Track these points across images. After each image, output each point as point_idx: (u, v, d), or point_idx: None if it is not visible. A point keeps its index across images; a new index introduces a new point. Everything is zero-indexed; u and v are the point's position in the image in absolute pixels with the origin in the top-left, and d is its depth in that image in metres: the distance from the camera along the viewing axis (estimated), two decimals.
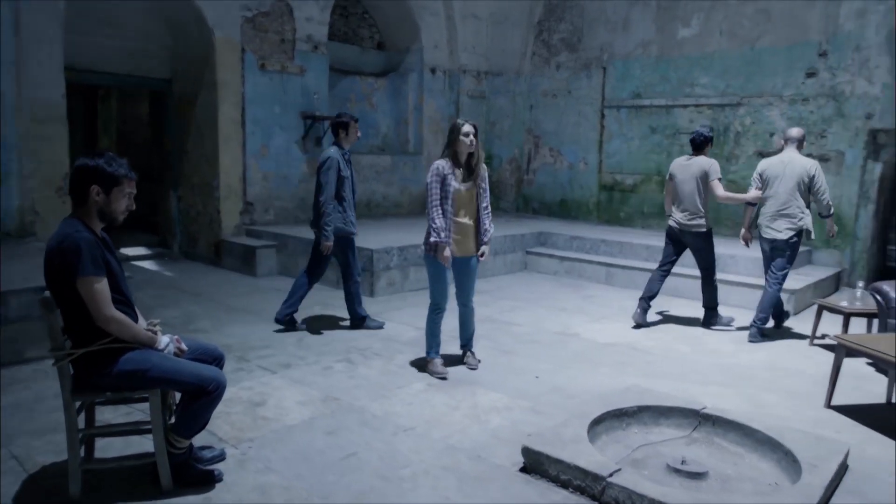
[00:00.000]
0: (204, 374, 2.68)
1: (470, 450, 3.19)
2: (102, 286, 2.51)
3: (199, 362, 2.82)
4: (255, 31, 7.98)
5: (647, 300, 5.79)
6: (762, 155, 8.44)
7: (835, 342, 3.88)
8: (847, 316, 4.97)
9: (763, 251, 5.51)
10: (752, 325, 5.38)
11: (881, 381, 4.36)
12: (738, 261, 7.10)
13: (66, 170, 6.62)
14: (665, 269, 5.85)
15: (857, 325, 5.37)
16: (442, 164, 4.18)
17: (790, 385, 4.32)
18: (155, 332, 2.74)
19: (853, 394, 4.14)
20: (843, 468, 3.02)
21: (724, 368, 4.64)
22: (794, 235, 5.22)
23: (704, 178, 5.52)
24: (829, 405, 3.91)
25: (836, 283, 7.72)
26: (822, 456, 2.96)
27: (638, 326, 5.74)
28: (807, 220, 5.23)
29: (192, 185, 8.30)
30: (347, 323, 5.50)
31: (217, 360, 2.96)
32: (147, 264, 8.10)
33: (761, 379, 4.43)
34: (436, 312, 4.38)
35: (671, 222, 5.79)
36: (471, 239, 4.31)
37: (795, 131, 5.48)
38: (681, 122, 9.12)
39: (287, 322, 5.27)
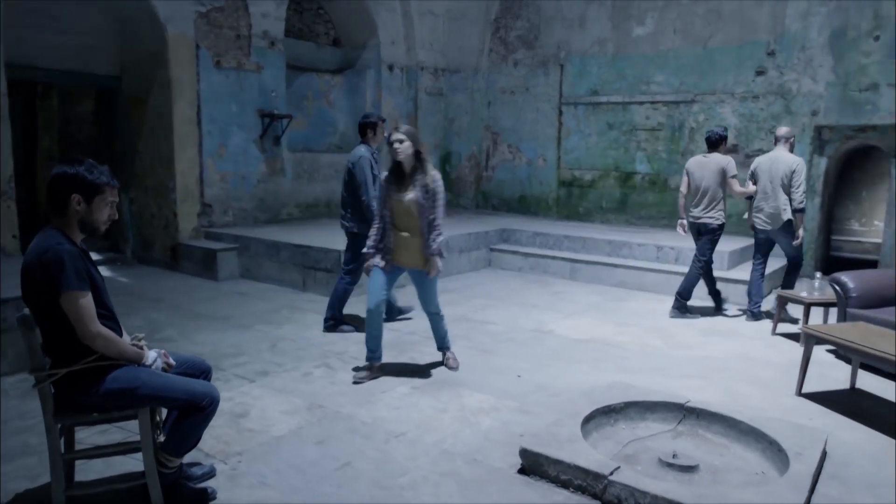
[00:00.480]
0: (196, 390, 2.57)
1: (465, 454, 3.18)
2: (87, 301, 2.37)
3: (186, 377, 2.71)
4: (210, 27, 7.72)
5: (714, 294, 6.21)
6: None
7: (805, 332, 4.03)
8: (807, 306, 5.19)
9: (757, 240, 5.97)
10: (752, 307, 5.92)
11: (843, 368, 4.57)
12: (681, 252, 7.31)
13: (10, 172, 6.24)
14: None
15: (815, 314, 5.63)
16: (384, 174, 4.17)
17: (760, 375, 4.48)
18: (141, 348, 2.61)
19: (819, 381, 4.32)
20: (823, 455, 3.15)
21: (697, 361, 4.77)
22: (785, 224, 5.65)
23: (722, 175, 5.78)
24: (799, 393, 4.07)
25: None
26: (805, 444, 3.08)
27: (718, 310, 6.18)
28: (789, 213, 5.65)
29: (146, 188, 7.97)
30: (321, 327, 5.41)
31: (205, 373, 2.85)
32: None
33: (733, 370, 4.58)
34: (367, 315, 4.17)
35: (690, 218, 6.01)
36: (414, 252, 4.14)
37: (783, 130, 5.89)
38: (637, 119, 9.33)
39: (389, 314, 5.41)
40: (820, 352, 5.08)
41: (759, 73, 8.26)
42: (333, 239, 7.09)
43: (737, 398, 4.00)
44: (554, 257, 8.16)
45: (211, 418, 2.62)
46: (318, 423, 3.51)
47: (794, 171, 5.57)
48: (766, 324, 5.74)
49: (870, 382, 4.30)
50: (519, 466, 3.03)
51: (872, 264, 8.20)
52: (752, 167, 5.96)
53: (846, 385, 4.26)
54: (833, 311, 5.44)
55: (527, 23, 10.29)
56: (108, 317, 2.53)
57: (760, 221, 5.81)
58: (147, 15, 7.27)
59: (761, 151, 8.34)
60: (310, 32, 10.02)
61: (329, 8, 10.03)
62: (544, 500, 2.78)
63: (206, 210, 7.91)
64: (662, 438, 3.44)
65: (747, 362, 4.76)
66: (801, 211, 5.61)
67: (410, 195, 4.01)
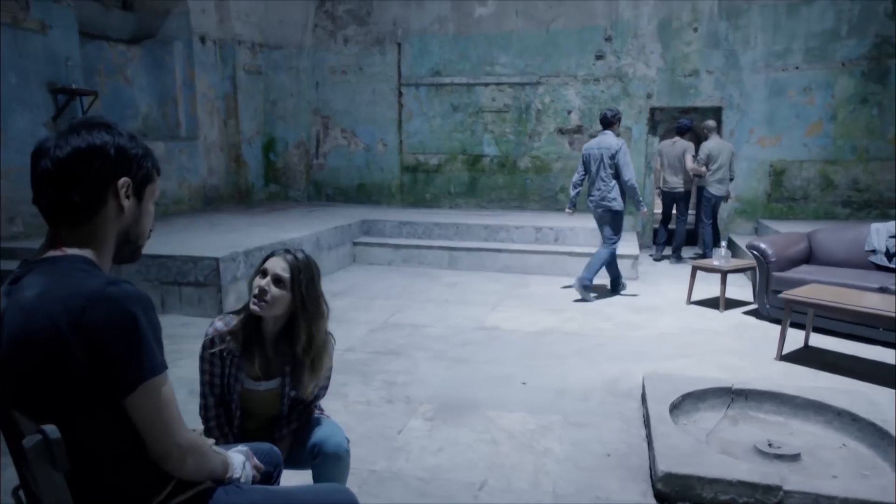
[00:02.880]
0: (334, 502, 1.60)
1: (578, 493, 2.59)
2: (171, 390, 1.29)
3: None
4: None
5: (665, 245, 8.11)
6: (562, 132, 9.02)
7: (786, 299, 4.17)
8: (724, 274, 5.50)
9: (714, 205, 7.61)
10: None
11: (768, 328, 4.92)
12: (578, 233, 7.45)
13: None
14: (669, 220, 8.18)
15: (711, 280, 6.05)
16: (218, 329, 1.99)
17: (725, 345, 4.58)
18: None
19: (773, 343, 4.54)
20: None
21: (662, 340, 4.72)
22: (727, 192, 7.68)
23: (684, 155, 7.61)
24: (780, 357, 4.23)
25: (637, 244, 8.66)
26: (873, 410, 3.11)
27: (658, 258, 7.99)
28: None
29: None
30: None
31: (277, 466, 1.85)
32: None
33: (699, 343, 4.61)
34: None
35: (665, 188, 7.95)
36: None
37: (712, 123, 7.68)
38: (483, 101, 9.21)
39: (587, 287, 5.87)
40: (737, 315, 5.44)
41: (599, 57, 8.69)
42: (196, 243, 5.74)
43: (735, 371, 4.00)
44: (429, 247, 7.66)
45: None
46: (366, 493, 2.59)
47: (733, 153, 7.48)
48: (679, 294, 6.01)
49: (812, 339, 4.64)
50: (653, 493, 2.55)
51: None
52: (707, 152, 7.44)
53: (800, 343, 4.52)
54: (733, 277, 5.89)
55: None
56: None
57: (721, 190, 7.48)
58: None
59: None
60: None
61: None
62: None
63: None
64: (724, 426, 3.24)
65: (700, 334, 4.85)
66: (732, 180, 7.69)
67: (274, 383, 2.02)
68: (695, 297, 5.87)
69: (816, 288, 4.30)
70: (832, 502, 2.35)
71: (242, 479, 1.55)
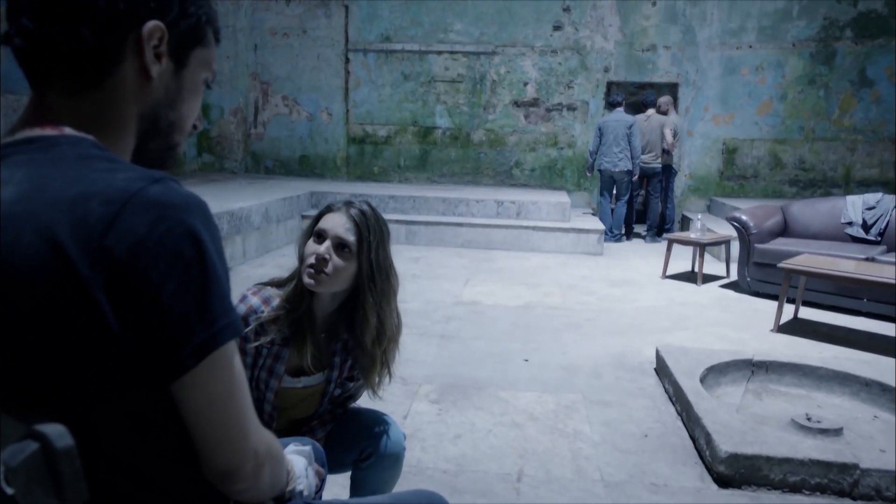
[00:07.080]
0: None
1: (630, 480, 2.28)
2: (241, 364, 0.83)
3: None
4: None
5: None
6: (518, 105, 8.74)
7: (786, 269, 4.04)
8: (702, 247, 5.38)
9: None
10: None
11: (749, 300, 4.85)
12: (541, 207, 7.19)
13: None
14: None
15: (685, 253, 5.96)
16: (254, 307, 1.47)
17: (718, 318, 4.44)
18: None
19: (763, 316, 4.45)
20: None
21: (649, 313, 4.52)
22: None
23: (663, 130, 7.26)
24: (777, 329, 4.11)
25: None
26: None
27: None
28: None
29: None
30: None
31: (323, 467, 1.41)
32: None
33: (691, 317, 4.44)
34: None
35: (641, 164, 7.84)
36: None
37: (666, 99, 7.50)
38: (435, 70, 8.78)
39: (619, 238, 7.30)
40: (715, 288, 5.35)
41: (557, 27, 8.44)
42: None
43: (738, 344, 3.83)
44: (385, 220, 7.19)
45: None
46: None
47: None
48: (650, 268, 5.87)
49: (792, 310, 4.58)
50: (712, 477, 2.28)
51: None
52: (675, 126, 7.34)
53: (785, 317, 4.42)
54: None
55: None
56: None
57: (677, 165, 7.78)
58: None
59: (561, 105, 8.64)
60: None
61: None
62: None
63: None
64: (751, 401, 3.05)
65: (688, 308, 4.69)
66: None
67: (316, 378, 1.56)
68: (674, 272, 5.75)
69: (810, 258, 4.21)
70: None
71: (306, 493, 1.11)
